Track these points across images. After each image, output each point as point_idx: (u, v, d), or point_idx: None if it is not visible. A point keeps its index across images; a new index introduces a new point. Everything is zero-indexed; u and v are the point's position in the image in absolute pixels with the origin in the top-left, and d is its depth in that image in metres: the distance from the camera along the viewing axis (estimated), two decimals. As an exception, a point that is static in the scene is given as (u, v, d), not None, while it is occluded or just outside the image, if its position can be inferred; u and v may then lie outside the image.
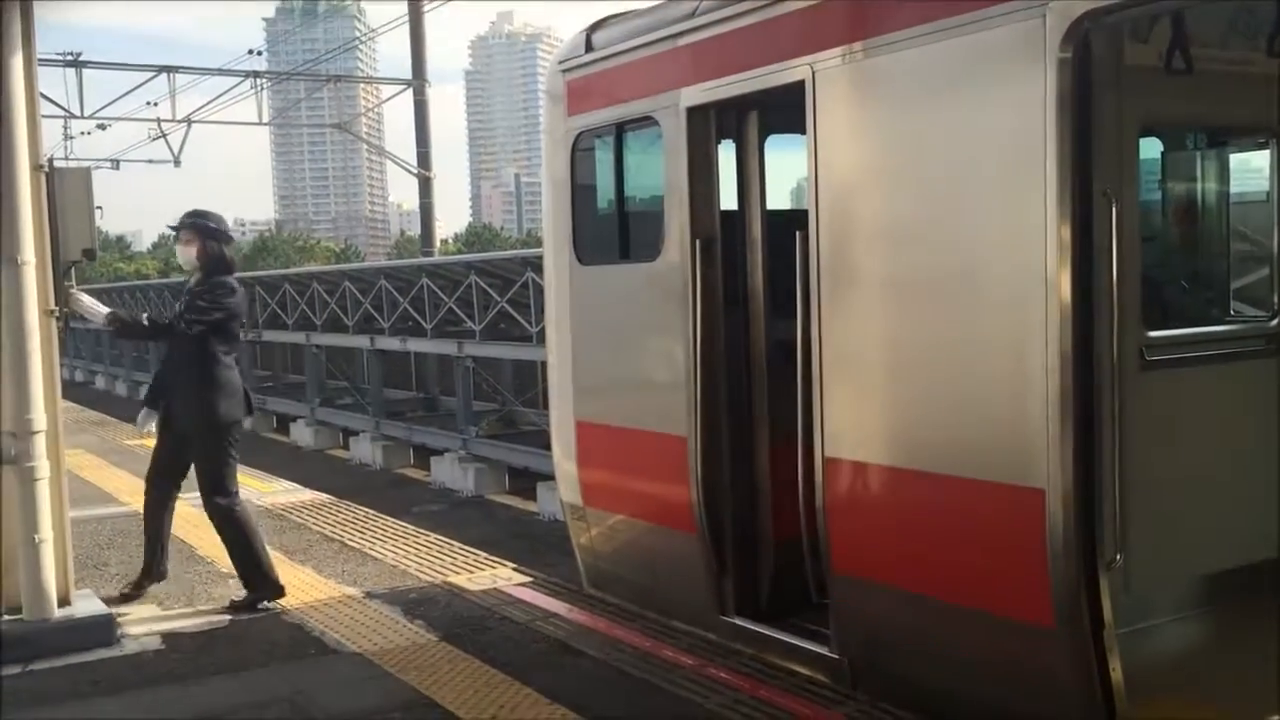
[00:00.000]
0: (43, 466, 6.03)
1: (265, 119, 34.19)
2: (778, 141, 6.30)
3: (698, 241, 5.96)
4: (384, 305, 21.74)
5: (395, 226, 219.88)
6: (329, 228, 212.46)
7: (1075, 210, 4.26)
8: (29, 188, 5.96)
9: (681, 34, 5.99)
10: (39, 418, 6.00)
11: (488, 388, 21.00)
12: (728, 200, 6.17)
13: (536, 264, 17.03)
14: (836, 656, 5.40)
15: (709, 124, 6.00)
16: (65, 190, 6.24)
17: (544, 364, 18.75)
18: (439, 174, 31.68)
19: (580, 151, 6.90)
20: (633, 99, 6.37)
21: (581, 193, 6.98)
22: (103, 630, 6.19)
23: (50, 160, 6.19)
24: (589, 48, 6.74)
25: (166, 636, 6.32)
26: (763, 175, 6.11)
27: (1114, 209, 4.28)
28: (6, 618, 6.15)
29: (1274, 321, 5.59)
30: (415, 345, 21.28)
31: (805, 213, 5.46)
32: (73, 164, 6.55)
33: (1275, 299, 5.62)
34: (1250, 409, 5.39)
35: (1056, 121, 4.23)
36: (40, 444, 6.01)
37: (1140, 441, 4.39)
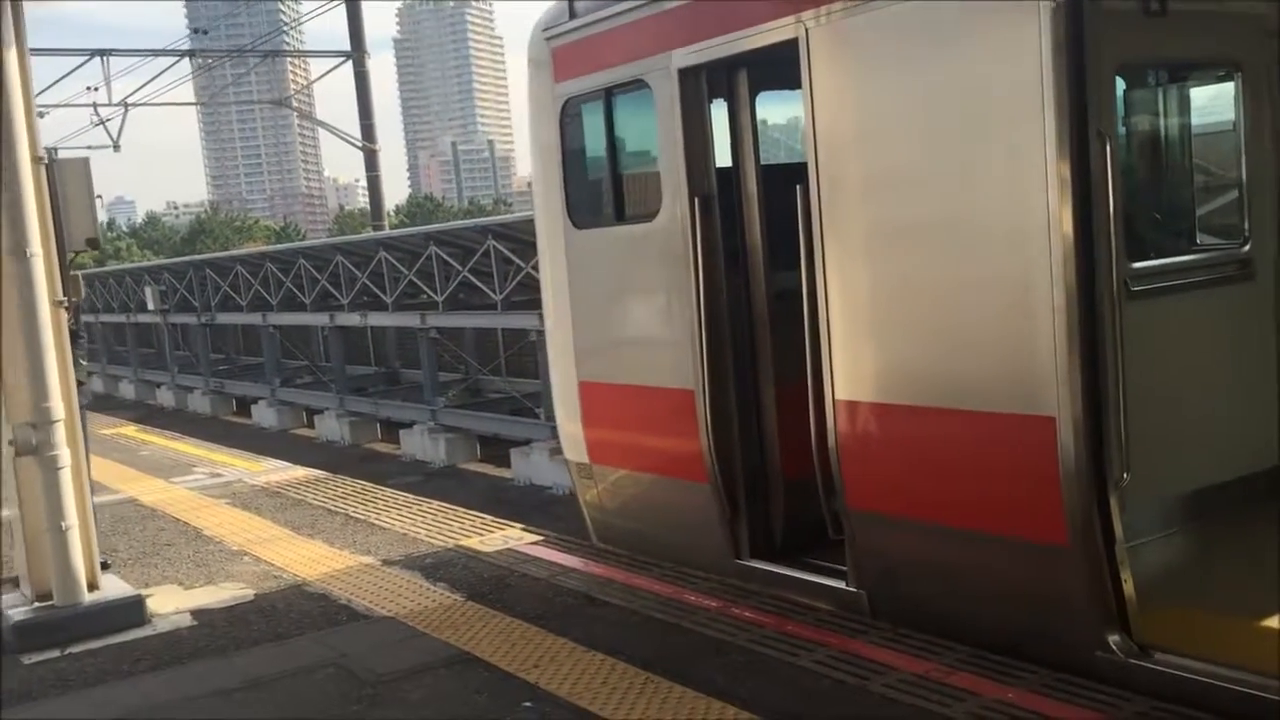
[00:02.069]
0: (64, 455, 6.11)
1: (199, 99, 33.63)
2: (766, 97, 6.50)
3: (696, 199, 6.14)
4: (341, 281, 21.66)
5: (333, 201, 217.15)
6: (265, 206, 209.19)
7: (1073, 152, 4.50)
8: (30, 180, 6.00)
9: (669, -2, 6.13)
10: (57, 406, 6.08)
11: (450, 358, 21.07)
12: (722, 158, 6.35)
13: (498, 232, 17.13)
14: (854, 589, 5.66)
15: (701, 84, 6.16)
16: (65, 181, 6.28)
17: (506, 331, 19.01)
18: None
19: (569, 117, 7.03)
20: (622, 63, 6.51)
21: (572, 158, 7.12)
22: (134, 611, 6.31)
23: (49, 152, 6.21)
24: (573, 14, 6.86)
25: (196, 613, 6.46)
26: (755, 132, 6.29)
27: (1107, 149, 4.53)
28: (38, 604, 6.25)
29: (1245, 248, 5.92)
30: (377, 319, 21.24)
31: (799, 166, 5.66)
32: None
33: (1245, 226, 5.94)
34: (1229, 331, 5.72)
35: (1052, 67, 4.46)
36: (60, 432, 6.10)
37: (1132, 367, 4.67)
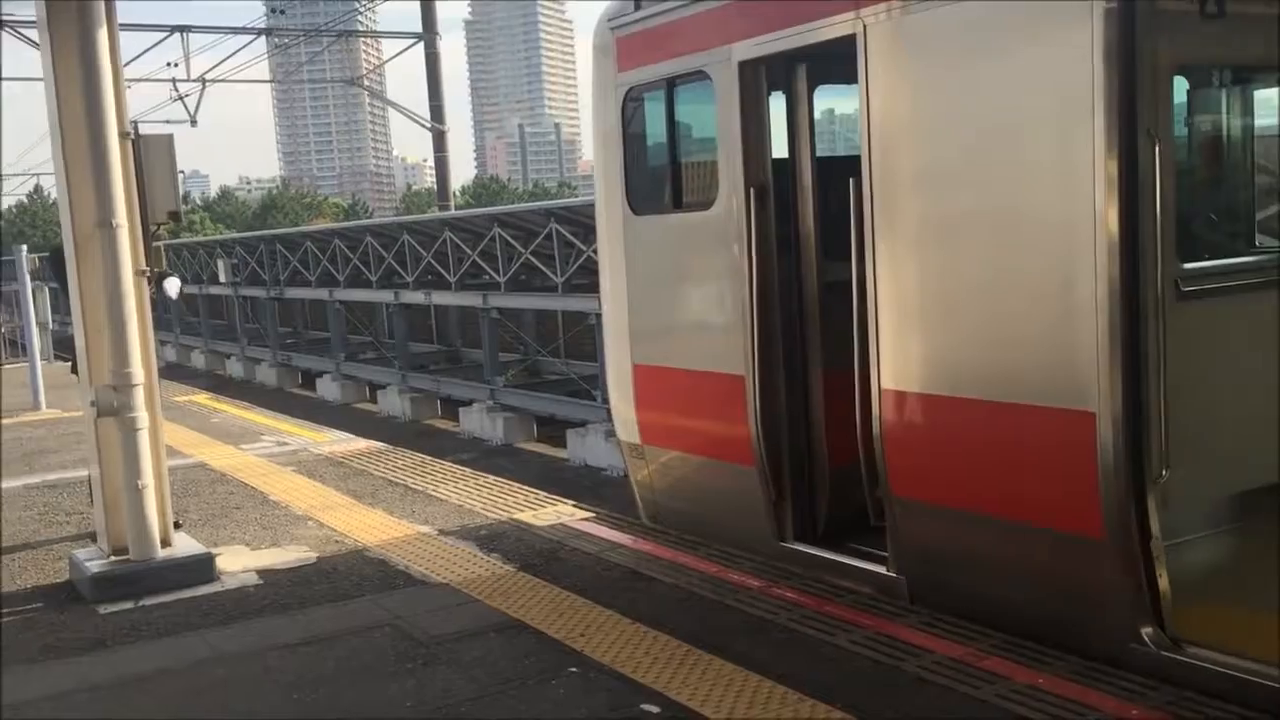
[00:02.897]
0: (142, 417, 6.43)
1: (274, 77, 34.25)
2: (824, 91, 6.62)
3: (751, 190, 6.29)
4: (407, 259, 22.06)
5: (401, 180, 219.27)
6: (334, 183, 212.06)
7: (1122, 152, 4.59)
8: (118, 154, 6.30)
9: (732, -9, 6.27)
10: (137, 371, 6.39)
11: (511, 338, 21.38)
12: (778, 149, 6.49)
13: (560, 215, 17.37)
14: (894, 574, 5.80)
15: (760, 77, 6.31)
16: (150, 155, 6.57)
17: (565, 313, 19.24)
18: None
19: (631, 106, 7.21)
20: (684, 54, 6.67)
21: (633, 146, 7.30)
22: (204, 568, 6.62)
23: (135, 126, 6.51)
24: (637, 6, 7.02)
25: (262, 573, 6.77)
26: (812, 125, 6.42)
27: (1156, 148, 4.61)
28: (114, 558, 6.59)
29: (1300, 250, 5.93)
30: (440, 298, 21.62)
31: (853, 159, 5.79)
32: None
33: (1301, 229, 5.96)
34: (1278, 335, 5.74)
35: (1103, 67, 4.55)
36: (139, 396, 6.41)
37: (1178, 367, 4.75)
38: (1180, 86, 5.87)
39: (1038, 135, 4.86)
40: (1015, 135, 4.95)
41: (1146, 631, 4.75)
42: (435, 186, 36.26)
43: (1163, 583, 4.75)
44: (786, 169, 6.46)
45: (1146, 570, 4.75)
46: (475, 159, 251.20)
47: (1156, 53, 4.71)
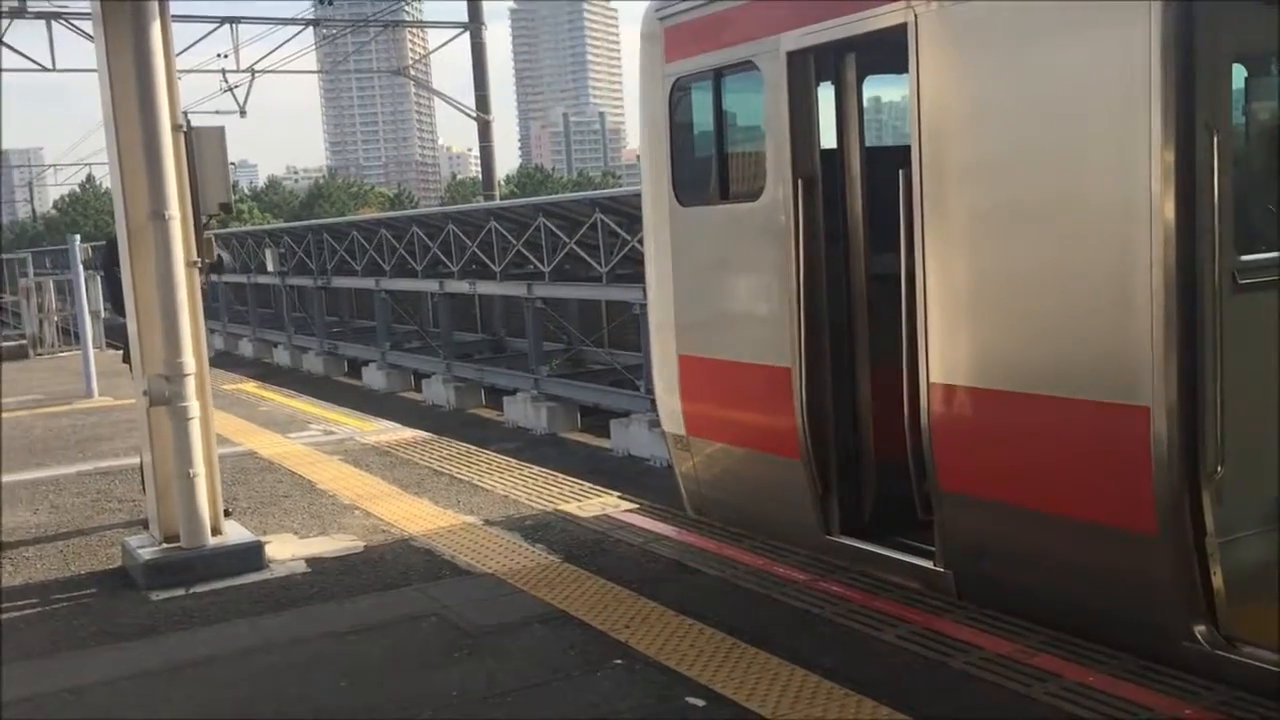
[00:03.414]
0: (193, 406, 6.51)
1: (322, 68, 34.51)
2: (873, 81, 6.56)
3: (799, 181, 6.25)
4: (452, 249, 22.16)
5: (446, 169, 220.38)
6: (380, 173, 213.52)
7: (1179, 142, 4.50)
8: (170, 146, 6.37)
9: (780, -19, 6.22)
10: (189, 361, 6.47)
11: (554, 328, 21.43)
12: (826, 139, 6.44)
13: (605, 205, 17.37)
14: (941, 569, 5.75)
15: (808, 67, 6.26)
16: (202, 148, 6.64)
17: (609, 303, 19.24)
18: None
19: (678, 97, 7.19)
20: (732, 45, 6.63)
21: (680, 137, 7.28)
22: (254, 556, 6.70)
23: (187, 119, 6.59)
24: (685, -4, 6.99)
25: (310, 561, 6.84)
26: (861, 115, 6.37)
27: (1214, 139, 4.52)
28: (165, 545, 6.69)
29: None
30: (485, 288, 21.71)
31: (901, 149, 5.73)
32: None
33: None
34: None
35: (1161, 57, 4.47)
36: (191, 385, 6.49)
37: (1234, 361, 4.66)
38: (1239, 75, 5.76)
39: (1093, 126, 4.78)
40: (1070, 126, 4.87)
41: (1199, 629, 4.68)
42: (480, 176, 36.40)
43: (1216, 580, 4.67)
44: (834, 160, 6.41)
45: (1200, 567, 4.67)
46: (519, 148, 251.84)
47: (1215, 42, 4.61)
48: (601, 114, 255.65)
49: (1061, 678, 4.66)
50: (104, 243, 9.40)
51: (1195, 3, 4.50)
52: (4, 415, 13.64)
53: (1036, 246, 5.07)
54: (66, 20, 27.21)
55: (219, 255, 7.15)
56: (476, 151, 35.92)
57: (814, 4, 6.07)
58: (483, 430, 19.02)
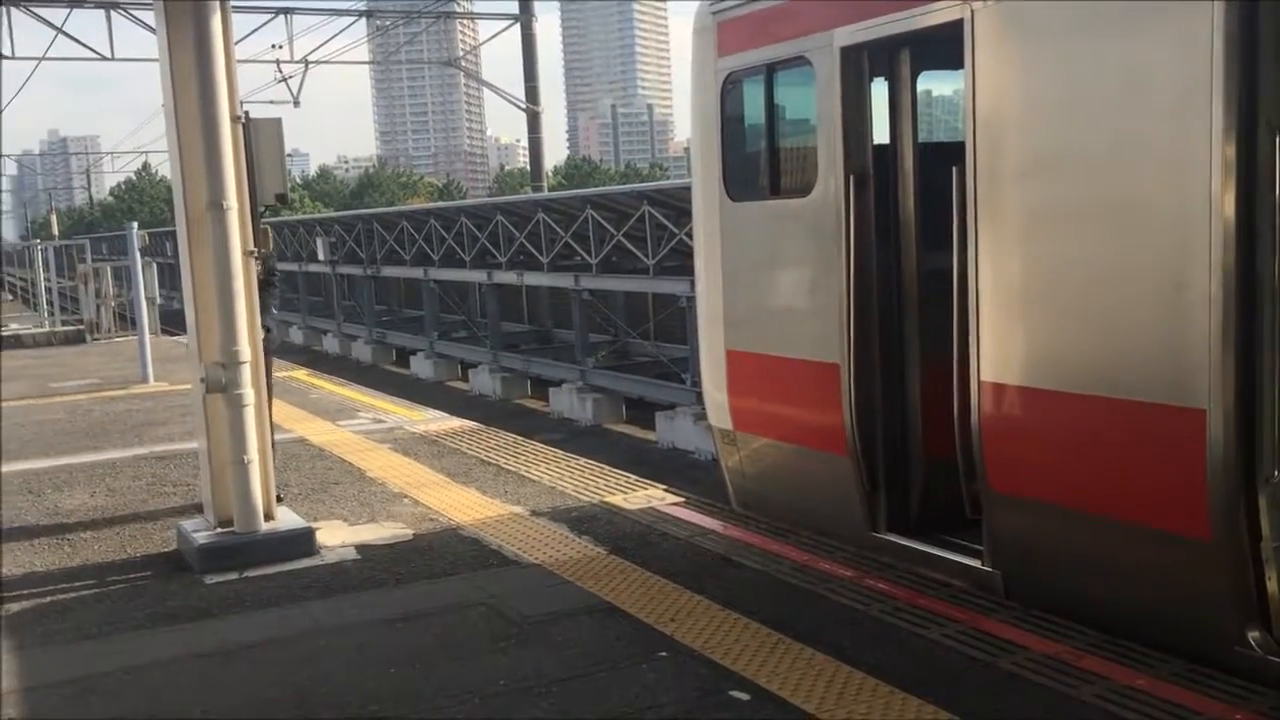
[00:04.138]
0: (249, 394, 6.62)
1: (374, 59, 34.81)
2: (928, 77, 6.52)
3: (851, 177, 6.23)
4: (500, 240, 22.29)
5: (494, 160, 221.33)
6: (429, 163, 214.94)
7: (1240, 142, 4.44)
8: (229, 137, 6.48)
9: (835, -24, 6.20)
10: (245, 349, 6.57)
11: (601, 320, 21.50)
12: (879, 135, 6.41)
13: (653, 198, 17.38)
14: (989, 569, 5.73)
15: (862, 63, 6.23)
16: (260, 139, 6.75)
17: (656, 296, 19.26)
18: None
19: (730, 91, 7.19)
20: (785, 40, 6.62)
21: (731, 131, 7.28)
22: (305, 542, 6.80)
23: (246, 111, 6.69)
24: (738, -10, 6.98)
25: (360, 548, 6.93)
26: (914, 111, 6.34)
27: (1277, 139, 4.45)
28: (219, 530, 6.81)
29: None
30: (532, 279, 21.83)
31: (953, 145, 5.69)
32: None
33: None
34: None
35: (1223, 56, 4.40)
36: (246, 373, 6.60)
37: None
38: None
39: (1152, 123, 4.73)
40: (1128, 123, 4.82)
41: (1253, 635, 4.62)
42: (528, 167, 36.54)
43: (1271, 585, 4.61)
44: (887, 156, 6.38)
45: (1255, 572, 4.62)
46: (567, 140, 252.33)
47: (1279, 39, 4.54)
48: (650, 106, 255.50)
49: (1110, 680, 4.62)
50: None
51: (1259, 0, 4.43)
52: (62, 399, 13.92)
53: (1092, 245, 5.02)
54: (125, 10, 27.64)
55: (272, 262, 7.26)
56: (525, 143, 36.12)
57: (867, 0, 6.04)
58: (528, 421, 19.14)
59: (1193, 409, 4.60)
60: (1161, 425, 4.74)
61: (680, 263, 16.80)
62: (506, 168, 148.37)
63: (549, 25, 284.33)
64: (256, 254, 6.76)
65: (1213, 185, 4.48)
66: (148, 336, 15.98)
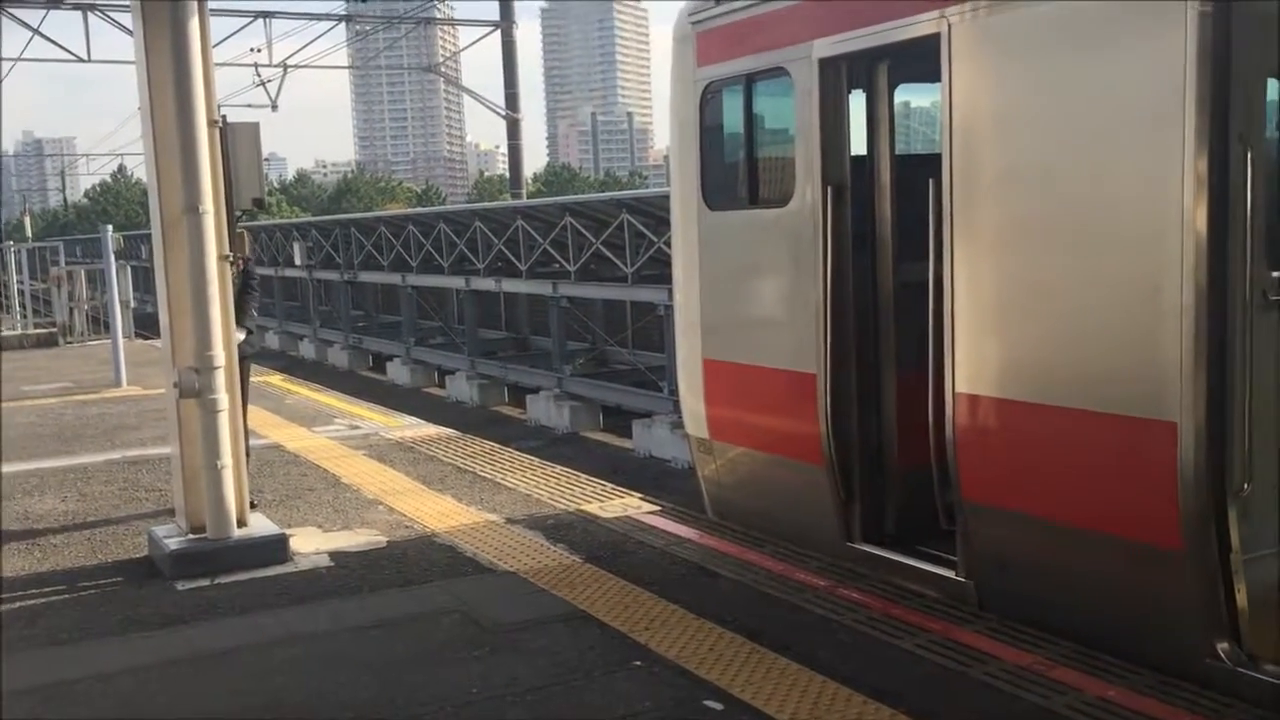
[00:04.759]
0: (223, 399, 6.58)
1: (353, 64, 34.70)
2: (905, 89, 6.55)
3: (829, 187, 6.26)
4: (479, 246, 22.26)
5: (474, 166, 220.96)
6: (408, 168, 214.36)
7: (1212, 157, 4.49)
8: (206, 141, 6.44)
9: (814, -12, 6.24)
10: (219, 354, 6.53)
11: (579, 327, 21.49)
12: (857, 146, 6.44)
13: (631, 206, 17.41)
14: (963, 579, 5.75)
15: (840, 75, 6.26)
16: (237, 143, 6.72)
17: (634, 304, 19.28)
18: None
19: (709, 101, 7.21)
20: (764, 51, 6.65)
21: (710, 141, 7.30)
22: (278, 548, 6.76)
23: (223, 115, 6.66)
24: (719, 1, 7.01)
25: (334, 555, 6.90)
26: (892, 123, 6.37)
27: (1248, 156, 4.50)
28: (192, 536, 6.76)
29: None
30: (510, 286, 21.81)
31: (930, 157, 5.72)
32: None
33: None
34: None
35: (1196, 71, 4.45)
36: (220, 378, 6.56)
37: (1263, 378, 4.64)
38: (1275, 88, 5.72)
39: (1126, 138, 4.77)
40: (1102, 138, 4.87)
41: (1223, 647, 4.66)
42: (507, 173, 36.51)
43: (1241, 597, 4.65)
44: (864, 167, 6.41)
45: (1225, 584, 4.66)
46: (547, 146, 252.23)
47: (1251, 56, 4.59)
48: (630, 114, 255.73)
49: (1082, 691, 4.65)
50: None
51: (1232, 16, 4.48)
52: (34, 403, 13.79)
53: (1066, 259, 5.05)
54: (102, 12, 27.46)
55: (248, 261, 7.23)
56: (504, 149, 36.08)
57: (847, 12, 6.07)
58: (505, 428, 19.10)
59: (1164, 422, 4.64)
60: (1133, 438, 4.78)
61: (659, 271, 16.82)
62: (486, 174, 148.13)
63: (529, 32, 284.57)
64: (234, 259, 6.72)
65: (1185, 199, 4.52)
66: (121, 340, 15.86)
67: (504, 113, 31.56)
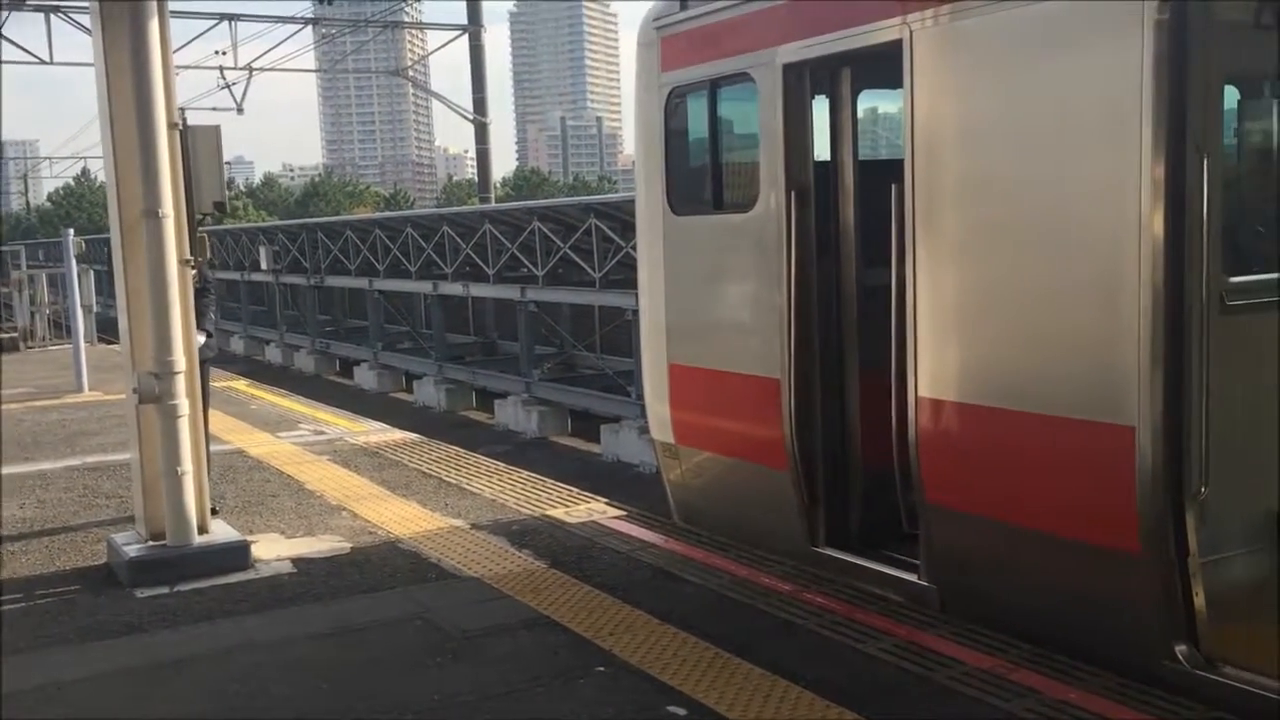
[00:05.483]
0: (183, 404, 6.51)
1: (320, 67, 34.51)
2: (868, 95, 6.59)
3: (793, 192, 6.27)
4: (446, 251, 22.18)
5: (442, 170, 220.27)
6: (376, 173, 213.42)
7: (1168, 164, 4.54)
8: (166, 144, 6.38)
9: (778, -6, 6.26)
10: (179, 359, 6.47)
11: (547, 332, 21.46)
12: (820, 152, 6.46)
13: (599, 210, 17.40)
14: (926, 583, 5.77)
15: (804, 80, 6.28)
16: (198, 146, 6.65)
17: (602, 308, 19.28)
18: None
19: (674, 106, 7.22)
20: (728, 56, 6.66)
21: (674, 146, 7.30)
22: (240, 555, 6.69)
23: (183, 117, 6.59)
24: (683, 7, 7.02)
25: (296, 561, 6.83)
26: (855, 128, 6.39)
27: (1204, 163, 4.55)
28: (151, 543, 6.68)
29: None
30: (478, 290, 21.74)
31: (893, 163, 5.75)
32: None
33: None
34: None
35: (1153, 80, 4.50)
36: (181, 383, 6.49)
37: (1220, 382, 4.69)
38: (1231, 96, 5.79)
39: (1084, 145, 4.81)
40: (1061, 144, 4.90)
41: (1180, 649, 4.70)
42: (476, 178, 36.42)
43: (1199, 600, 4.70)
44: (828, 172, 6.44)
45: (1183, 587, 4.70)
46: (516, 151, 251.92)
47: (1207, 64, 4.65)
48: (599, 118, 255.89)
49: (1042, 694, 4.67)
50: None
51: (1188, 24, 4.53)
52: (-7, 408, 13.61)
53: (1026, 264, 5.09)
54: (65, 14, 27.18)
55: (200, 263, 7.14)
56: (473, 153, 35.97)
57: (811, 18, 6.10)
58: (473, 433, 19.03)
59: (1122, 426, 4.68)
60: (1092, 441, 4.82)
61: (627, 276, 16.82)
62: (455, 178, 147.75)
63: (498, 35, 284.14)
64: (193, 262, 6.66)
65: (1142, 205, 4.57)
66: (83, 344, 15.68)
67: (472, 117, 31.47)
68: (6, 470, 9.87)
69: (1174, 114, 4.53)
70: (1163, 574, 4.70)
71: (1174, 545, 4.66)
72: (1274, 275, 5.63)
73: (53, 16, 27.46)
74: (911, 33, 5.45)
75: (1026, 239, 5.08)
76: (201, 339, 7.26)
